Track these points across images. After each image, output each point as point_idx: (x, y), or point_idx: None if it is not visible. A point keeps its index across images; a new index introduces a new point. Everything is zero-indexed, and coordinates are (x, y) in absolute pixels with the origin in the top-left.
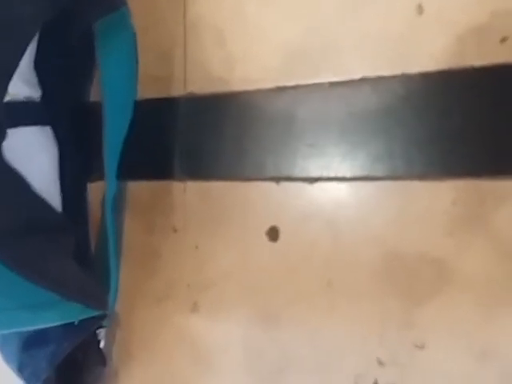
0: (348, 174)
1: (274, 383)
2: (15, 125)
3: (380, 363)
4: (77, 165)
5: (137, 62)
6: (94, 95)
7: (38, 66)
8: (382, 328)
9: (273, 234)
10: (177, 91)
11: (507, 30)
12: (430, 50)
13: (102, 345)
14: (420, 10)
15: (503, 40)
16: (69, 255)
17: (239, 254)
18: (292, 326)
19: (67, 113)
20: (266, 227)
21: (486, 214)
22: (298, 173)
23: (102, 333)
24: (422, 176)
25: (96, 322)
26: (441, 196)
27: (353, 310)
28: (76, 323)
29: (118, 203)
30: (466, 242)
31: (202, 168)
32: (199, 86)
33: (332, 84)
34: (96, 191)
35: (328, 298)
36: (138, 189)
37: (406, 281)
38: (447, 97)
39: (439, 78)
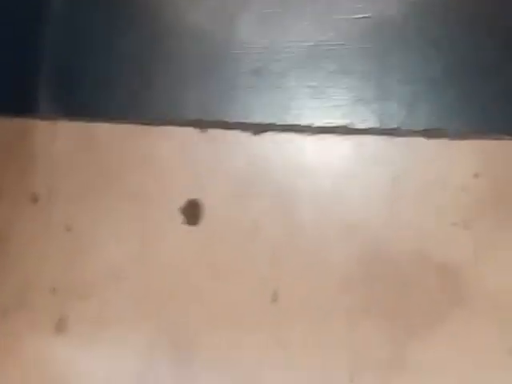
0: (315, 122)
1: None
2: None
3: None
4: None
5: None
6: None
7: None
8: (353, 370)
9: (191, 211)
10: None
11: None
12: None
13: None
14: None
15: None
16: None
17: (136, 241)
18: (213, 360)
19: None
20: (182, 201)
21: None
22: (235, 115)
23: None
24: (429, 131)
25: None
26: (457, 163)
27: (309, 338)
28: None
29: None
30: (491, 239)
31: (81, 100)
32: None
33: None
34: None
35: (271, 320)
36: None
37: (393, 297)
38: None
39: None
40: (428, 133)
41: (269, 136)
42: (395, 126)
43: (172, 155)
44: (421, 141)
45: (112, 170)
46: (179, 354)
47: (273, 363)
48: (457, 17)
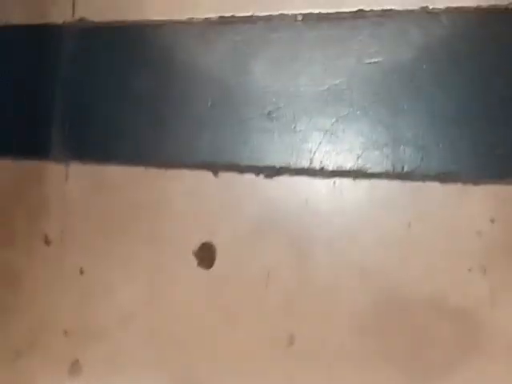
0: (328, 166)
1: None
2: None
3: None
4: None
5: None
6: None
7: None
8: None
9: (205, 254)
10: (61, 16)
11: None
12: None
13: None
14: None
15: None
16: None
17: (149, 284)
18: None
19: None
20: (195, 244)
21: None
22: (248, 159)
23: None
24: (443, 175)
25: None
26: (472, 208)
27: (324, 380)
28: None
29: None
30: (508, 283)
31: (94, 143)
32: (95, 9)
33: (307, 17)
34: None
35: (287, 365)
36: None
37: (409, 342)
38: (487, 50)
39: (475, 19)
40: (441, 177)
41: (281, 179)
42: (408, 170)
43: (185, 198)
44: (434, 185)
45: (125, 213)
46: None
47: None
48: (467, 60)
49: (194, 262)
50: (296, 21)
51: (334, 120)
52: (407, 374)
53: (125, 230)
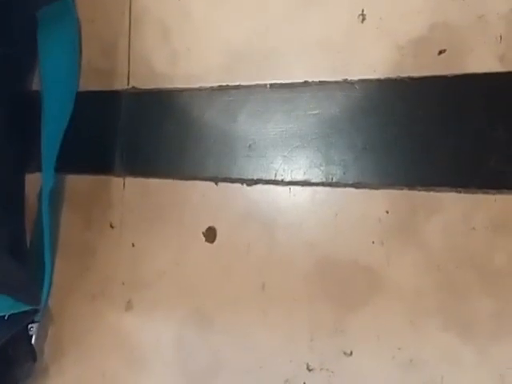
0: (286, 178)
1: None
2: None
3: (309, 369)
4: (14, 155)
5: (80, 53)
6: (37, 84)
7: None
8: (312, 334)
9: (210, 234)
10: (120, 85)
11: (445, 43)
12: (371, 59)
13: (33, 340)
14: (362, 17)
15: (441, 52)
16: (2, 248)
17: (175, 253)
18: (225, 328)
19: (6, 101)
20: (204, 227)
21: (417, 224)
22: (236, 174)
23: (33, 328)
24: (357, 184)
25: (27, 317)
26: (375, 204)
27: (285, 314)
28: (6, 317)
29: (54, 196)
30: (397, 251)
31: (141, 164)
32: (142, 80)
33: (273, 86)
34: (33, 183)
35: (261, 302)
36: (76, 182)
37: (338, 287)
38: (385, 106)
39: (378, 86)
40: (356, 185)
41: (257, 187)
42: (335, 180)
43: (197, 199)
44: (352, 190)
45: (160, 209)
46: (201, 324)
47: (260, 325)
48: (371, 111)
49: (203, 238)
50: (266, 88)
51: (289, 149)
52: (338, 305)
53: (160, 219)
